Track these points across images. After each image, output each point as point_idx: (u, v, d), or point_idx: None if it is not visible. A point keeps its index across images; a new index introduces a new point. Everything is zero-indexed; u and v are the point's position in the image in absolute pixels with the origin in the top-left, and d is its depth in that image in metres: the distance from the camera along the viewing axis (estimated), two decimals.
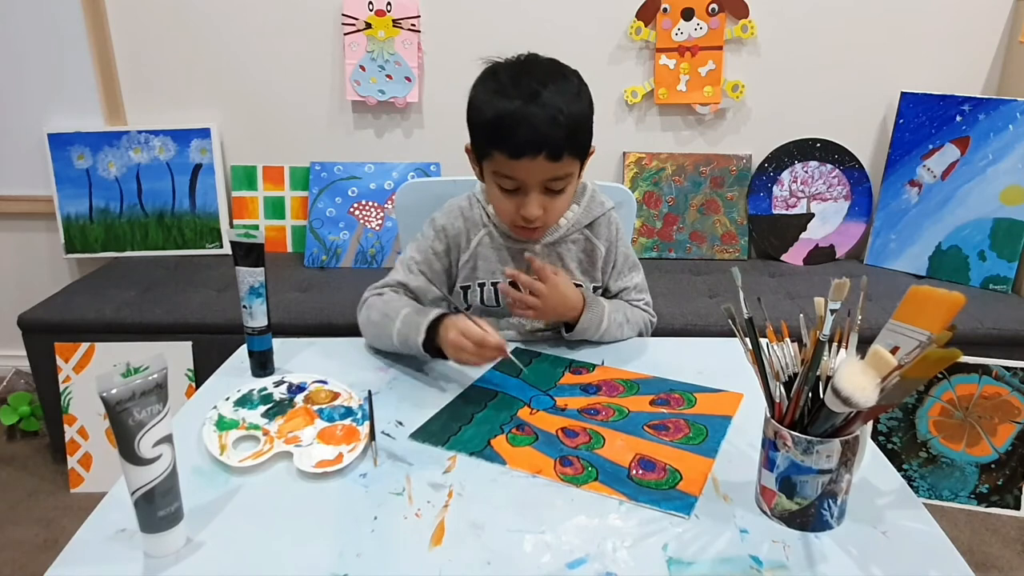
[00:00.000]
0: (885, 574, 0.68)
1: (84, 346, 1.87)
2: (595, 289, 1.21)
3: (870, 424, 0.75)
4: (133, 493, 0.67)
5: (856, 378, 0.65)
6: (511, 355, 0.98)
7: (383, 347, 1.10)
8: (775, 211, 2.31)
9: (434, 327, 1.01)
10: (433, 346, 1.01)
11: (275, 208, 2.33)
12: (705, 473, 0.82)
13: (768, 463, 0.73)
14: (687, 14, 2.17)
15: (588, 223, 1.18)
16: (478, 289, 1.18)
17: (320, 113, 2.30)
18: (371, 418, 0.89)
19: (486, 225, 1.17)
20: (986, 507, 1.82)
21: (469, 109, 1.05)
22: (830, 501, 0.71)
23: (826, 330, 0.69)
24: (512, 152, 0.99)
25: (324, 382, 0.99)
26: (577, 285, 1.16)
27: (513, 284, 1.12)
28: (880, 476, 0.82)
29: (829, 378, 0.68)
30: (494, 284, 1.17)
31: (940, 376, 1.79)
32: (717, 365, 1.06)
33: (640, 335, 1.21)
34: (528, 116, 0.97)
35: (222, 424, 0.89)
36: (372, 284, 1.17)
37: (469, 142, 1.09)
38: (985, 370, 1.78)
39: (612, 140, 2.30)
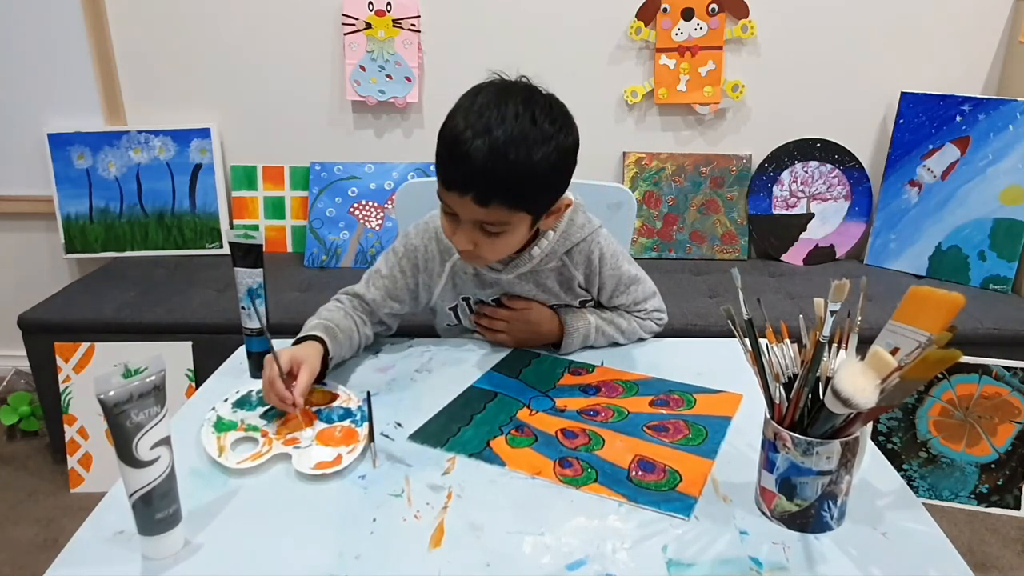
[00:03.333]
0: (885, 575, 0.68)
1: (84, 346, 1.87)
2: (585, 303, 1.17)
3: (870, 425, 0.75)
4: (131, 495, 0.67)
5: (856, 379, 0.65)
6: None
7: None
8: (775, 211, 2.31)
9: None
10: None
11: (275, 208, 2.33)
12: (705, 474, 0.81)
13: (768, 464, 0.73)
14: (687, 14, 2.16)
15: (566, 250, 1.11)
16: (464, 303, 1.17)
17: (320, 113, 2.30)
18: (370, 419, 0.89)
19: None
20: (986, 507, 1.82)
21: None
22: (830, 502, 0.71)
23: (826, 331, 0.69)
24: (444, 182, 0.95)
25: (323, 383, 0.99)
26: (563, 305, 1.15)
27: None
28: (880, 477, 0.82)
29: (829, 379, 0.68)
30: (479, 300, 1.17)
31: (940, 376, 1.79)
32: (717, 366, 1.06)
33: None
34: (468, 152, 0.89)
35: (220, 426, 0.89)
36: (345, 287, 1.17)
37: None
38: (985, 370, 1.78)
39: (612, 140, 2.29)
